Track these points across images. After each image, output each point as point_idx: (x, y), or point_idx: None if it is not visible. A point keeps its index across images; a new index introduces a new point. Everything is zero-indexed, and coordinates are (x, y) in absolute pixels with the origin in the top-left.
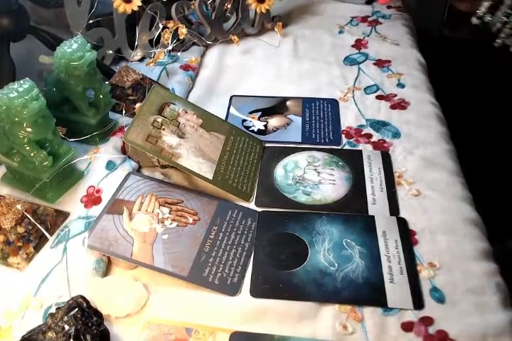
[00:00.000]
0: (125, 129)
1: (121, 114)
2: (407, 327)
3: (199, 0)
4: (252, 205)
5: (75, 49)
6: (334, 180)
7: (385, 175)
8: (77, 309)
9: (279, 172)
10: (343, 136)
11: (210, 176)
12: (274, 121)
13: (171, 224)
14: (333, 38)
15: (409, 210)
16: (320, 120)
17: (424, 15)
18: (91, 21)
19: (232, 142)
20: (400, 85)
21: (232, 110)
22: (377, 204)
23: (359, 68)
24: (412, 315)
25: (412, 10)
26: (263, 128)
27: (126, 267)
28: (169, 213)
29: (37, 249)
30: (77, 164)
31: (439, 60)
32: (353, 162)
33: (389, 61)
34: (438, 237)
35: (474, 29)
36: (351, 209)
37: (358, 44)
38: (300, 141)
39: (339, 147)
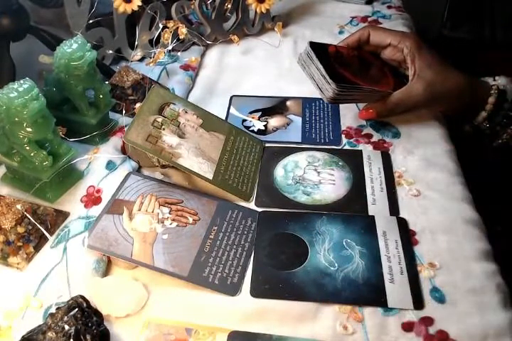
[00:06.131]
0: (125, 129)
1: (121, 114)
2: (408, 327)
3: (199, 0)
4: (252, 205)
5: (75, 49)
6: (334, 180)
7: (385, 175)
8: (77, 309)
9: (279, 172)
10: (343, 136)
11: (210, 176)
12: (274, 121)
13: (171, 224)
14: (333, 38)
15: (409, 210)
16: (320, 120)
17: (424, 15)
18: (91, 21)
19: (232, 142)
20: None
21: (232, 110)
22: (377, 204)
23: None
24: (412, 315)
25: (412, 10)
26: (263, 128)
27: (126, 267)
28: (169, 213)
29: (37, 248)
30: (77, 164)
31: None
32: (353, 162)
33: None
34: (438, 237)
35: (474, 29)
36: (351, 209)
37: None
38: (300, 140)
39: (339, 147)
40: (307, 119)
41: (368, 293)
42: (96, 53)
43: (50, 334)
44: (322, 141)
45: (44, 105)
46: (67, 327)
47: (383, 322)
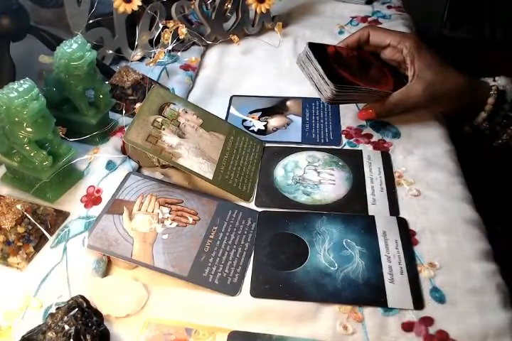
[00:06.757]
0: (125, 129)
1: (121, 114)
2: (408, 327)
3: (199, 0)
4: (252, 205)
5: (75, 49)
6: (334, 180)
7: (385, 175)
8: (77, 309)
9: (279, 172)
10: (343, 136)
11: (210, 176)
12: (274, 121)
13: (171, 224)
14: (334, 38)
15: (409, 210)
16: (320, 120)
17: (424, 15)
18: (91, 21)
19: (232, 142)
20: None
21: (232, 110)
22: (377, 204)
23: None
24: (412, 315)
25: (412, 10)
26: (263, 128)
27: (126, 267)
28: (169, 213)
29: (37, 248)
30: (77, 164)
31: None
32: (353, 162)
33: None
34: (438, 237)
35: (474, 29)
36: (351, 209)
37: None
38: (300, 140)
39: (339, 147)
40: (307, 119)
41: (368, 293)
42: (96, 53)
43: (50, 334)
44: (322, 141)
45: (44, 105)
46: (67, 327)
47: (383, 322)
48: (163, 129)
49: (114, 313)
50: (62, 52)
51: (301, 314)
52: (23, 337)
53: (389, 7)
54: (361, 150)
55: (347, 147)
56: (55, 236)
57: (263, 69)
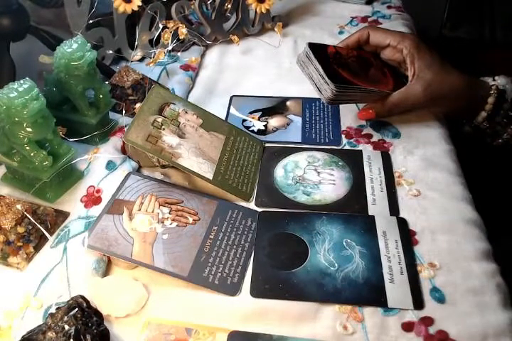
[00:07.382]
0: (125, 129)
1: (121, 114)
2: (408, 327)
3: (199, 0)
4: (252, 205)
5: (75, 49)
6: (334, 180)
7: (385, 175)
8: (77, 309)
9: (279, 172)
10: (343, 136)
11: (210, 176)
12: (274, 121)
13: (171, 224)
14: (334, 38)
15: (409, 210)
16: (320, 120)
17: (424, 15)
18: (91, 21)
19: (232, 142)
20: None
21: (232, 110)
22: (377, 204)
23: None
24: (412, 315)
25: (412, 10)
26: (263, 128)
27: (126, 267)
28: (169, 213)
29: (37, 248)
30: (77, 164)
31: None
32: (353, 162)
33: None
34: (438, 237)
35: (474, 29)
36: (351, 209)
37: None
38: (300, 141)
39: (339, 147)
40: (307, 119)
41: (368, 293)
42: (96, 53)
43: (50, 334)
44: (322, 141)
45: (44, 105)
46: (67, 327)
47: (383, 322)
48: (163, 129)
49: (114, 313)
50: (62, 52)
51: (301, 314)
52: (23, 337)
53: (389, 7)
54: (361, 150)
55: (347, 147)
56: (55, 236)
57: (263, 69)
